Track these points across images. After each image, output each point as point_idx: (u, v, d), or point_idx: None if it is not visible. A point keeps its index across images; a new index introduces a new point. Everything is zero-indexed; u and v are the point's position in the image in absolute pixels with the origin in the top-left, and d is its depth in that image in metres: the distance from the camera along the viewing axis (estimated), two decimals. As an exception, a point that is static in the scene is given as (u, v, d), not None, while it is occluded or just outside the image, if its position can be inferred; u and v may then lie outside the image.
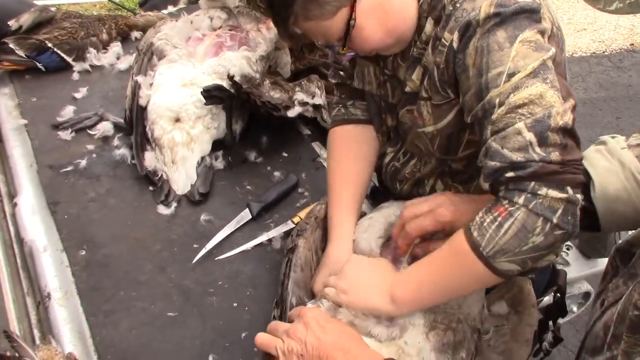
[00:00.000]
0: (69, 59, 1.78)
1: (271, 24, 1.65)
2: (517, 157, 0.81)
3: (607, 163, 0.95)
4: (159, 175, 1.40)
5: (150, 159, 1.42)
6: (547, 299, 1.22)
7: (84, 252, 1.21)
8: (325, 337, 0.83)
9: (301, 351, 0.83)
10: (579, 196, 0.81)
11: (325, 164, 1.41)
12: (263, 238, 1.27)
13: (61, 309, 1.10)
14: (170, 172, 1.41)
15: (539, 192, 0.80)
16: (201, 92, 1.42)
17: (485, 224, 0.83)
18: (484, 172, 0.87)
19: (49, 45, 1.75)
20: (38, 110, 1.62)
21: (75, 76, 1.77)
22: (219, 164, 1.47)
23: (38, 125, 1.56)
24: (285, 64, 1.72)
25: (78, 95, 1.68)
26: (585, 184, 0.88)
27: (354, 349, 0.82)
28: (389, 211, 1.13)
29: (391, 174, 1.19)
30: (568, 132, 0.82)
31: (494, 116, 0.84)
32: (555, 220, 0.80)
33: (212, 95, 1.42)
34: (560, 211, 0.80)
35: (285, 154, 1.53)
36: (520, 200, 0.81)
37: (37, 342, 1.08)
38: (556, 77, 0.84)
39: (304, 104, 1.52)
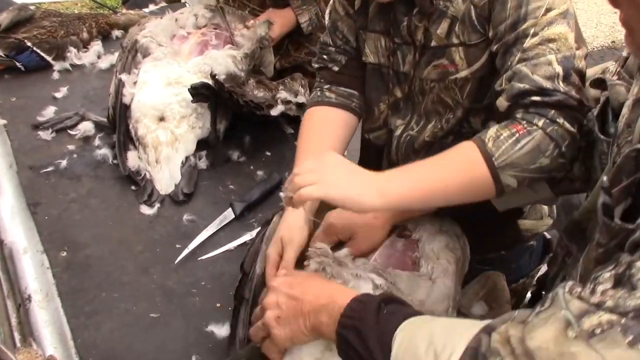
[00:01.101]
0: (48, 58, 1.75)
1: (255, 22, 1.65)
2: (547, 84, 0.90)
3: None
4: (142, 175, 1.39)
5: (133, 159, 1.41)
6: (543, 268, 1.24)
7: (65, 254, 1.20)
8: (294, 292, 0.85)
9: (278, 314, 0.85)
10: (579, 137, 0.90)
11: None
12: (246, 238, 1.27)
13: (42, 311, 1.09)
14: (154, 172, 1.40)
15: (557, 119, 0.89)
16: (189, 89, 1.41)
17: (501, 137, 0.89)
18: (507, 92, 0.93)
19: (28, 44, 1.73)
20: (18, 110, 1.60)
21: (56, 75, 1.74)
22: (202, 163, 1.46)
23: (18, 126, 1.54)
24: (269, 63, 1.71)
25: (58, 95, 1.66)
26: None
27: (325, 289, 0.83)
28: None
29: (406, 145, 1.19)
30: (583, 77, 0.91)
31: (525, 44, 0.92)
32: (563, 149, 0.89)
33: (199, 93, 1.42)
34: (567, 141, 0.89)
35: (268, 153, 1.53)
36: (540, 123, 0.89)
37: (18, 345, 1.06)
38: (573, 24, 0.93)
39: (287, 102, 1.52)
